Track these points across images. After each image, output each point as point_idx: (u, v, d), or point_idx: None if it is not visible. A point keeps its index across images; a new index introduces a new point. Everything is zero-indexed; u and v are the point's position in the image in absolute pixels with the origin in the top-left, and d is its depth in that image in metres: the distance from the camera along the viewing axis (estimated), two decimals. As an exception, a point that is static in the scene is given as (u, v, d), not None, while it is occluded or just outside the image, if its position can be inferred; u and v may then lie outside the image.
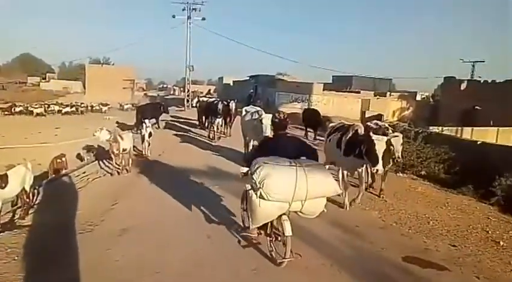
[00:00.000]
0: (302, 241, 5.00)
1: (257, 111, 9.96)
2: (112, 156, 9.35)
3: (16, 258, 4.70)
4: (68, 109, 32.50)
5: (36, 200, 7.29)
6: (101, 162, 10.66)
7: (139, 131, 11.88)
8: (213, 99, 19.27)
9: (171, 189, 7.71)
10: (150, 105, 19.64)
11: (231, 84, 49.58)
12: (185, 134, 16.27)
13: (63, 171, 10.07)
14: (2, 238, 5.28)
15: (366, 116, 26.79)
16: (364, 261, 4.88)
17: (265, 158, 4.20)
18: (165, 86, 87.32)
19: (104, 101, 37.28)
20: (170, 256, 4.80)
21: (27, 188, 6.70)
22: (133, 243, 5.19)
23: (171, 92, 66.85)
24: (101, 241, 5.19)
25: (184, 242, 5.26)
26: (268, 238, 4.73)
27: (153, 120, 16.78)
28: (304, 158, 4.39)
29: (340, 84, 38.62)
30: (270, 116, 9.51)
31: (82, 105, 35.25)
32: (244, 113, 10.83)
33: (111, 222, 5.97)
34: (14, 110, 29.95)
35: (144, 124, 11.39)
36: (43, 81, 62.69)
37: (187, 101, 31.91)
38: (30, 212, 6.71)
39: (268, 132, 9.04)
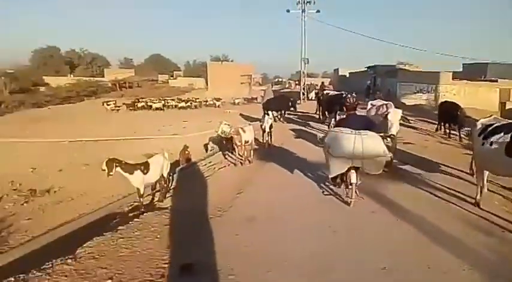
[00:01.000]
0: (443, 246, 4.65)
1: (385, 105, 9.45)
2: (235, 147, 9.91)
3: (158, 236, 5.25)
4: (183, 104, 35.00)
5: (171, 185, 8.06)
6: (224, 153, 11.31)
7: (260, 123, 12.22)
8: (335, 92, 18.42)
9: (292, 179, 7.90)
10: (277, 99, 19.80)
11: (347, 75, 48.25)
12: (303, 127, 16.27)
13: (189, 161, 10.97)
14: (146, 218, 5.96)
15: (506, 107, 23.26)
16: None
17: (335, 128, 6.26)
18: (280, 79, 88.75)
19: (224, 96, 39.45)
20: (296, 246, 4.85)
21: (165, 175, 7.45)
22: (261, 231, 5.40)
23: (286, 86, 67.76)
24: (230, 227, 5.51)
25: (308, 233, 5.28)
26: (343, 186, 6.42)
27: (275, 113, 17.14)
28: (367, 131, 5.84)
29: (473, 72, 34.21)
30: (400, 111, 8.93)
31: (197, 100, 37.65)
32: (369, 106, 10.35)
33: (238, 209, 6.29)
34: (137, 105, 33.26)
35: (266, 116, 11.73)
36: (171, 78, 69.34)
37: (303, 94, 31.99)
38: (167, 195, 7.47)
39: (394, 130, 8.51)
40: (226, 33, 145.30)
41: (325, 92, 19.04)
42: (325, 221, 5.61)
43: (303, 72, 32.95)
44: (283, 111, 18.44)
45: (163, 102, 34.95)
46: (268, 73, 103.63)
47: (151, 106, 32.92)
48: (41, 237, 6.57)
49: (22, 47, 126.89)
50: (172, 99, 37.41)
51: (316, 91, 25.06)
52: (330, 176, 6.24)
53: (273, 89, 61.68)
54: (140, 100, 35.57)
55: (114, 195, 9.81)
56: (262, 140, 11.97)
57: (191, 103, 35.49)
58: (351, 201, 6.10)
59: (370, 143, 5.67)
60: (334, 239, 5.08)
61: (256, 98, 38.59)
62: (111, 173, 6.40)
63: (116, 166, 6.50)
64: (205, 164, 10.24)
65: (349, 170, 5.99)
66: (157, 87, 59.08)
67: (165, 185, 7.60)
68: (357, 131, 5.74)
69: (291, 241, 5.01)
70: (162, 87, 58.47)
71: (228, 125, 10.32)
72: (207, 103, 36.51)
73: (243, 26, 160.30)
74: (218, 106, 35.01)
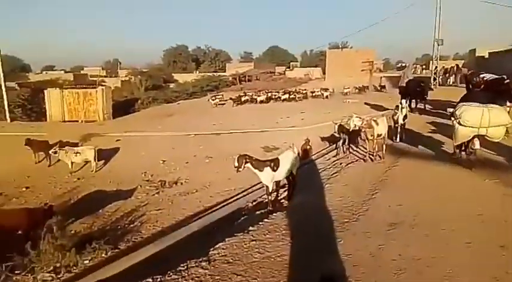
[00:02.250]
0: None
1: None
2: (366, 142, 9.01)
3: (290, 241, 4.83)
4: (286, 96, 33.48)
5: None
6: (352, 146, 10.43)
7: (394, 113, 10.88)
8: (494, 76, 15.17)
9: (437, 178, 6.72)
10: (411, 84, 17.52)
11: (486, 56, 42.02)
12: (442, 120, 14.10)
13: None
14: (276, 219, 5.58)
15: None
16: None
17: (465, 103, 7.49)
18: (403, 64, 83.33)
19: (343, 85, 37.87)
20: (454, 261, 3.93)
21: (294, 171, 6.99)
22: (409, 242, 4.58)
23: (412, 71, 62.92)
24: (370, 234, 4.84)
25: (466, 246, 4.29)
26: (464, 153, 7.81)
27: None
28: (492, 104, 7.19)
29: None
30: None
31: (304, 91, 36.38)
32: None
33: (376, 213, 5.55)
34: (241, 100, 32.57)
35: (399, 105, 10.42)
36: (288, 70, 69.81)
37: (434, 79, 28.84)
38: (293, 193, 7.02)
39: None
40: (342, 18, 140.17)
41: (481, 75, 16.09)
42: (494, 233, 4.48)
43: (435, 55, 29.66)
44: (417, 100, 16.59)
45: (267, 95, 34.14)
46: (391, 58, 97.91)
47: (256, 99, 32.66)
48: (174, 233, 6.71)
49: (156, 47, 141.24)
50: (277, 92, 36.83)
51: (466, 74, 21.25)
52: (455, 144, 7.75)
53: (395, 74, 57.70)
54: (246, 93, 35.61)
55: (235, 188, 9.83)
56: (396, 132, 10.63)
57: (295, 95, 34.11)
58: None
59: (496, 113, 7.03)
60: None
61: (378, 87, 36.34)
62: (240, 169, 6.33)
63: (246, 162, 6.40)
64: (328, 159, 9.56)
65: (473, 137, 7.32)
66: (275, 79, 59.93)
67: (294, 183, 7.15)
68: (483, 105, 7.14)
69: (448, 256, 4.09)
70: (279, 79, 59.11)
71: (360, 117, 9.40)
72: (314, 94, 35.20)
73: (359, 8, 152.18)
74: (326, 97, 33.44)
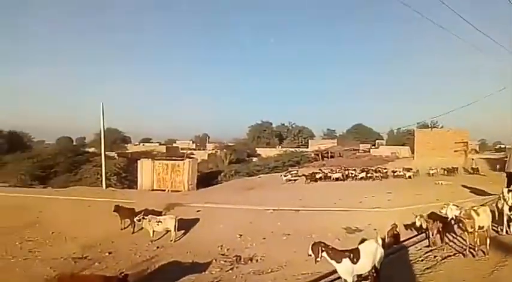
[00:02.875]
0: None
1: None
2: (465, 234, 7.87)
3: None
4: (363, 174, 32.25)
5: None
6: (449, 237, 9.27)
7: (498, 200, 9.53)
8: None
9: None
10: None
11: None
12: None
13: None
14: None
15: None
16: None
17: None
18: (502, 146, 77.58)
19: (434, 165, 35.64)
20: None
21: (378, 264, 6.28)
22: None
23: (513, 154, 57.51)
24: None
25: None
26: None
27: None
28: None
29: None
30: None
31: (384, 170, 34.53)
32: None
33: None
34: (315, 176, 31.79)
35: (505, 190, 9.15)
36: (373, 147, 68.28)
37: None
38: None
39: None
40: (435, 97, 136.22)
41: None
42: None
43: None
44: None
45: (343, 172, 33.25)
46: (487, 139, 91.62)
47: (330, 176, 31.72)
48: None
49: (241, 123, 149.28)
50: (354, 170, 35.35)
51: None
52: None
53: (490, 156, 52.99)
54: (321, 170, 34.76)
55: (313, 272, 9.14)
56: (503, 225, 9.19)
57: (372, 174, 32.57)
58: None
59: None
60: None
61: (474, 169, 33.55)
62: (318, 259, 5.93)
63: (322, 250, 5.96)
64: (419, 249, 8.52)
65: None
66: (359, 156, 58.66)
67: (376, 277, 6.37)
68: None
69: None
70: (364, 156, 57.70)
71: (457, 206, 8.41)
72: (395, 174, 33.24)
73: (455, 91, 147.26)
74: (409, 177, 31.26)
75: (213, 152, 62.41)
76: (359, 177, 31.96)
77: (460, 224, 7.95)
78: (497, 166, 38.16)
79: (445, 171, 33.62)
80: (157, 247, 13.72)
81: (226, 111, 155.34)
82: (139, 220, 14.70)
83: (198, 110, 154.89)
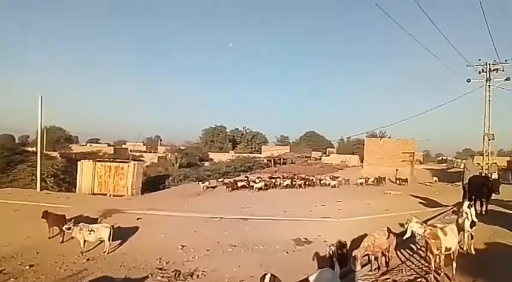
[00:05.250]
0: None
1: None
2: (429, 256, 6.95)
3: None
4: (288, 182, 31.76)
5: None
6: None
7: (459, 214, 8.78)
8: None
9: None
10: (476, 180, 14.91)
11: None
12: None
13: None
14: None
15: None
16: None
17: None
18: (444, 158, 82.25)
19: (381, 175, 36.44)
20: None
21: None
22: None
23: (454, 165, 60.97)
24: None
25: None
26: None
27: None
28: None
29: None
30: None
31: (311, 178, 34.67)
32: None
33: None
34: (237, 185, 30.73)
35: (465, 205, 8.58)
36: (324, 155, 69.19)
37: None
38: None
39: None
40: (384, 108, 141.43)
41: None
42: None
43: (486, 150, 27.77)
44: (482, 200, 13.81)
45: (265, 182, 31.62)
46: (430, 150, 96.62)
47: (253, 186, 29.87)
48: None
49: (195, 126, 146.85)
50: (278, 177, 35.08)
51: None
52: None
53: (434, 168, 55.36)
54: (243, 179, 33.74)
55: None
56: (462, 241, 8.30)
57: (295, 181, 32.01)
58: None
59: None
60: None
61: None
62: None
63: None
64: (371, 270, 7.80)
65: None
66: (310, 163, 59.06)
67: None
68: None
69: None
70: (315, 164, 58.18)
71: (421, 223, 7.79)
72: (321, 181, 33.50)
73: (403, 101, 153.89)
74: (334, 186, 31.44)
75: (164, 155, 60.35)
76: (284, 184, 31.24)
77: (424, 244, 7.21)
78: (436, 178, 39.82)
79: (375, 181, 34.54)
80: (88, 259, 12.18)
81: (180, 114, 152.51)
82: (68, 228, 13.09)
83: (151, 112, 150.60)
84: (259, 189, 29.04)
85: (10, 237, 14.13)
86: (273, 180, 32.66)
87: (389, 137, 63.09)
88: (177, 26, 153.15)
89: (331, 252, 8.93)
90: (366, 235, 8.58)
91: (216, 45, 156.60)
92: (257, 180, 31.35)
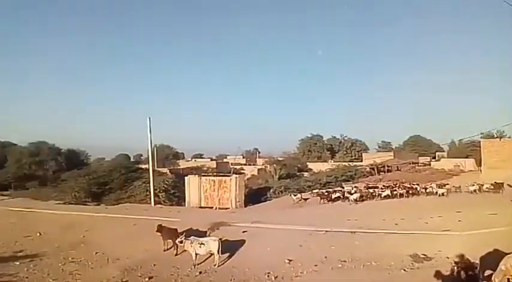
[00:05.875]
0: None
1: None
2: None
3: None
4: (387, 192, 28.67)
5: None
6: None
7: None
8: None
9: None
10: None
11: None
12: None
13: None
14: None
15: None
16: None
17: None
18: None
19: (499, 180, 31.97)
20: None
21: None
22: None
23: None
24: None
25: None
26: None
27: None
28: None
29: None
30: None
31: (414, 187, 31.43)
32: None
33: None
34: (331, 196, 29.11)
35: None
36: (433, 160, 63.98)
37: None
38: None
39: None
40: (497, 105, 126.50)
41: None
42: None
43: None
44: None
45: (361, 192, 29.54)
46: None
47: (348, 197, 28.08)
48: None
49: (291, 136, 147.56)
50: (376, 187, 32.26)
51: None
52: None
53: None
54: (337, 190, 32.01)
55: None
56: None
57: (392, 191, 29.17)
58: None
59: None
60: None
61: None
62: None
63: None
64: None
65: None
66: (418, 170, 54.94)
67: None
68: None
69: None
70: (424, 170, 53.94)
71: None
72: (427, 190, 30.01)
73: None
74: (442, 194, 28.09)
75: (263, 167, 61.51)
76: (383, 195, 28.63)
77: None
78: None
79: (492, 187, 30.04)
80: (200, 272, 12.66)
81: (276, 125, 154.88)
82: (181, 241, 13.79)
83: (249, 125, 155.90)
84: (356, 200, 27.51)
85: (131, 250, 15.38)
86: (370, 191, 30.79)
87: (510, 137, 56.18)
88: (268, 41, 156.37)
89: (456, 271, 7.92)
90: (496, 251, 7.44)
91: (306, 54, 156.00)
92: (353, 191, 29.96)
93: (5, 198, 34.62)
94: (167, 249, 15.15)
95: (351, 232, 15.91)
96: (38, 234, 18.29)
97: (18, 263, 13.68)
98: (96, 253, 15.18)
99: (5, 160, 53.41)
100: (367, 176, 51.84)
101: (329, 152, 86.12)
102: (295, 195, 30.67)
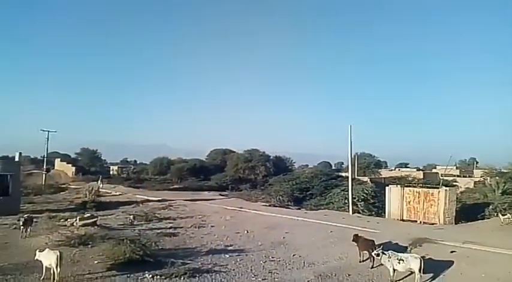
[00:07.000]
0: None
1: None
2: None
3: None
4: None
5: None
6: None
7: None
8: None
9: None
10: None
11: None
12: None
13: None
14: None
15: None
16: None
17: None
18: None
19: None
20: None
21: None
22: None
23: None
24: None
25: None
26: None
27: None
28: None
29: None
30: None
31: None
32: None
33: None
34: None
35: None
36: None
37: None
38: None
39: None
40: None
41: None
42: None
43: None
44: None
45: None
46: None
47: None
48: None
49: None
50: None
51: None
52: None
53: None
54: None
55: None
56: None
57: None
58: None
59: None
60: None
61: None
62: None
63: None
64: None
65: None
66: None
67: None
68: None
69: None
70: None
71: None
72: None
73: None
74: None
75: (481, 179, 53.39)
76: None
77: None
78: None
79: None
80: (397, 291, 11.82)
81: (498, 130, 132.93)
82: (377, 254, 13.13)
83: (463, 131, 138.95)
84: None
85: (326, 256, 15.67)
86: None
87: None
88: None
89: None
90: None
91: None
92: None
93: (223, 198, 40.79)
94: (363, 261, 14.70)
95: None
96: (246, 231, 20.57)
97: (227, 256, 15.61)
98: (294, 255, 15.98)
99: (225, 165, 63.67)
100: None
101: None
102: (503, 215, 24.67)
